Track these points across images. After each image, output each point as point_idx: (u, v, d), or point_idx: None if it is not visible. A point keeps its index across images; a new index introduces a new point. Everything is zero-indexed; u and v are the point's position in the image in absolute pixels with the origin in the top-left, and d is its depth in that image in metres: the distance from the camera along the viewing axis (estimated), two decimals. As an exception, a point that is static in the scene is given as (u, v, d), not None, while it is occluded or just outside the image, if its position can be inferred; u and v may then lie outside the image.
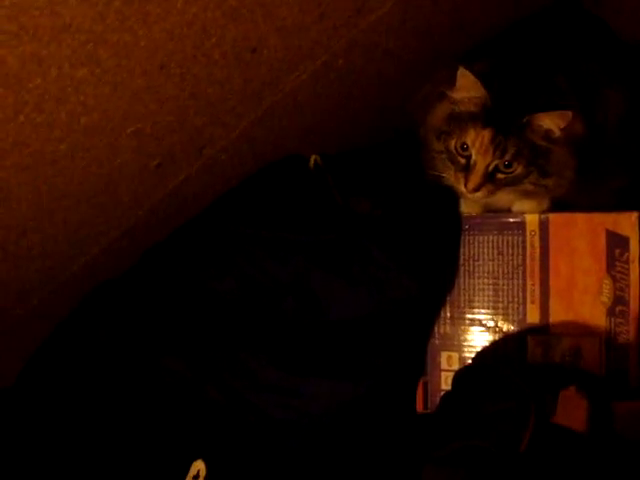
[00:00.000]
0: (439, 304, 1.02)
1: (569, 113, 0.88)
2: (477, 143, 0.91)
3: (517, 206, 1.00)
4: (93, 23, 0.62)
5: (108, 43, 0.65)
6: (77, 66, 0.66)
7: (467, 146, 0.92)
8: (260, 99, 0.89)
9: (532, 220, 0.99)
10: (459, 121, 0.93)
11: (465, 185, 0.92)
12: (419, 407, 1.02)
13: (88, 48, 0.64)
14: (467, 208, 1.03)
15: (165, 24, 0.68)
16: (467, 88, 0.91)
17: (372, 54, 0.95)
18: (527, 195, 0.97)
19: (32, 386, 0.94)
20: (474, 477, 0.72)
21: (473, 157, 0.92)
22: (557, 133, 0.90)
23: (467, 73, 0.89)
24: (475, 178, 0.91)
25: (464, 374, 0.93)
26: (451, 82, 0.93)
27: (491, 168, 0.91)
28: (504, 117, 0.90)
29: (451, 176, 0.96)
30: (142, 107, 0.78)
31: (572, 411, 0.77)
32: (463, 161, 0.93)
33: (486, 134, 0.90)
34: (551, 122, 0.90)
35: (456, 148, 0.93)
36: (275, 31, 0.79)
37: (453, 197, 1.01)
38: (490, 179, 0.92)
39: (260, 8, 0.74)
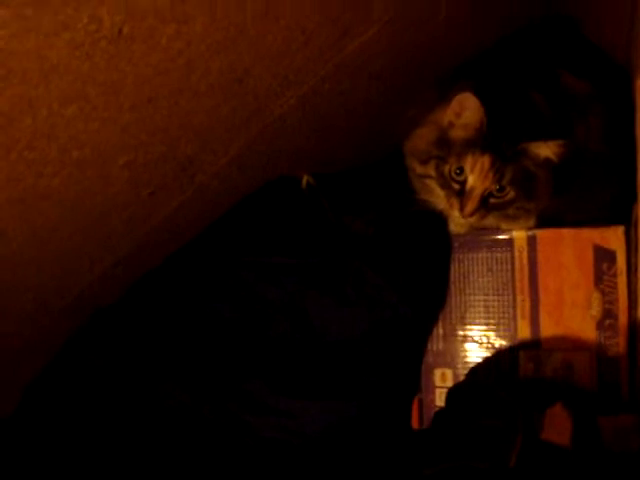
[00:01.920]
0: (432, 322, 1.03)
1: (562, 142, 0.90)
2: (476, 169, 0.91)
3: (505, 224, 1.02)
4: (80, 63, 0.63)
5: (96, 81, 0.67)
6: (66, 104, 0.67)
7: (462, 171, 0.92)
8: (248, 126, 0.91)
9: (520, 237, 1.00)
10: (453, 146, 0.93)
11: (461, 210, 0.93)
12: (414, 424, 1.03)
13: (76, 87, 0.66)
14: (456, 227, 1.04)
15: (150, 60, 0.69)
16: (467, 113, 0.91)
17: (357, 78, 0.96)
18: (509, 218, 0.98)
19: (31, 416, 0.95)
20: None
21: (470, 182, 0.92)
22: (555, 160, 0.92)
23: (473, 99, 0.89)
24: (472, 203, 0.92)
25: (457, 392, 0.94)
26: (433, 106, 0.95)
27: (486, 193, 0.93)
28: (498, 142, 0.91)
29: (441, 201, 0.97)
30: (132, 139, 0.79)
31: (558, 427, 0.78)
32: (457, 186, 0.93)
33: (486, 159, 0.91)
34: (549, 150, 0.91)
35: (450, 173, 0.93)
36: (260, 60, 0.80)
37: (442, 216, 1.03)
38: (484, 204, 0.93)
39: (244, 40, 0.75)
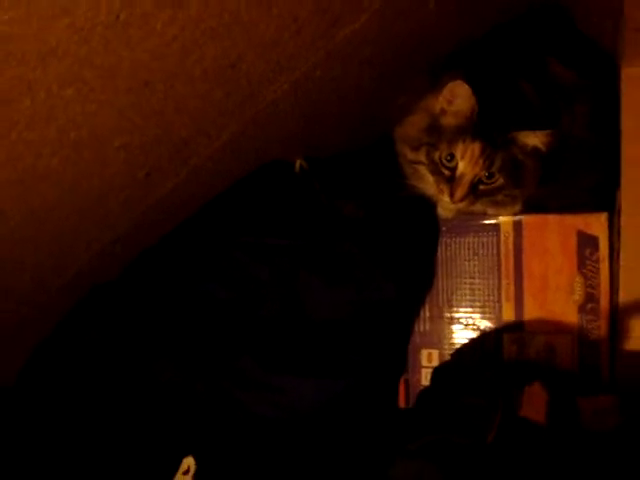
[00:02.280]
0: (419, 304, 1.06)
1: (550, 132, 0.93)
2: (467, 155, 0.94)
3: (492, 210, 1.04)
4: (78, 47, 0.65)
5: (93, 65, 0.69)
6: (64, 87, 0.69)
7: (453, 158, 0.95)
8: (242, 110, 0.93)
9: (506, 222, 1.03)
10: (444, 133, 0.95)
11: (451, 196, 0.95)
12: (401, 403, 1.06)
13: (74, 70, 0.68)
14: (444, 212, 1.06)
15: (146, 45, 0.71)
16: (459, 101, 0.93)
17: (349, 64, 0.98)
18: (497, 204, 1.01)
19: (31, 386, 0.98)
20: (444, 469, 0.76)
21: (460, 169, 0.95)
22: (543, 150, 0.94)
23: (465, 87, 0.91)
24: (462, 189, 0.95)
25: (442, 371, 0.97)
26: (424, 93, 0.97)
27: (476, 179, 0.95)
28: (488, 130, 0.93)
29: (431, 187, 1.00)
30: (128, 122, 0.81)
31: (535, 405, 0.81)
32: (447, 173, 0.96)
33: (476, 146, 0.93)
34: (537, 139, 0.94)
35: (441, 159, 0.96)
36: (253, 47, 0.82)
37: (431, 201, 1.05)
38: (473, 190, 0.96)
39: (238, 27, 0.77)
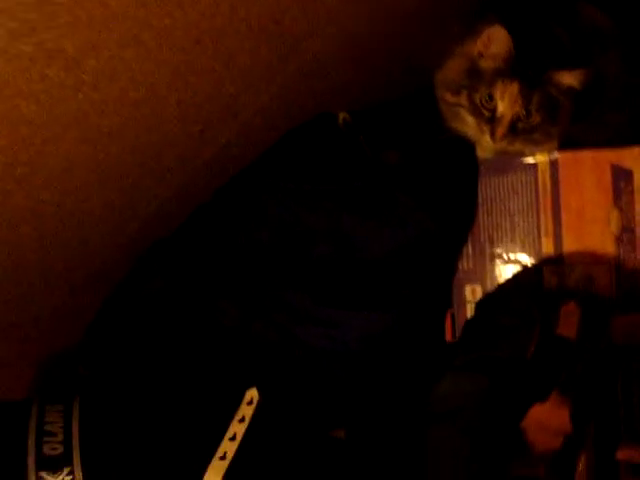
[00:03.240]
0: (461, 241, 1.11)
1: (584, 71, 0.97)
2: (506, 95, 0.98)
3: (529, 148, 1.08)
4: (137, 10, 0.71)
5: (150, 26, 0.74)
6: (125, 48, 0.75)
7: (492, 99, 0.99)
8: (286, 63, 0.97)
9: (543, 160, 1.06)
10: (483, 76, 1.00)
11: (492, 135, 1.00)
12: (448, 337, 1.11)
13: (134, 32, 0.74)
14: (483, 153, 1.11)
15: (198, 5, 0.77)
16: (497, 45, 0.97)
17: (391, 16, 1.02)
18: (534, 142, 1.05)
19: (103, 331, 1.07)
20: (490, 381, 0.82)
21: (500, 109, 0.99)
22: (578, 88, 0.99)
23: (502, 31, 0.95)
24: (502, 128, 0.99)
25: (485, 302, 1.02)
26: (462, 38, 1.01)
27: (515, 118, 0.99)
28: (525, 71, 0.98)
29: (471, 129, 1.04)
30: (182, 80, 0.87)
31: (569, 322, 0.86)
32: (488, 113, 1.00)
33: (514, 86, 0.98)
34: (572, 78, 0.98)
35: (481, 101, 1.00)
36: (295, 2, 0.87)
37: (470, 144, 1.09)
38: (512, 129, 1.00)
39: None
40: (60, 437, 0.90)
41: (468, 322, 1.02)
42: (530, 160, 1.07)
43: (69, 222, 0.97)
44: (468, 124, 1.05)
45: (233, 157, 1.10)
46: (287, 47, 0.94)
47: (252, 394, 0.95)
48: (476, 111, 1.02)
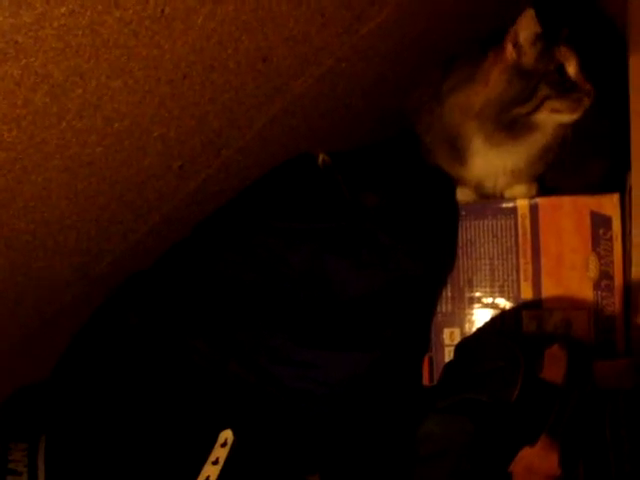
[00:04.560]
0: (440, 284, 1.11)
1: None
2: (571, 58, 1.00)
3: (508, 192, 1.09)
4: (127, 39, 0.70)
5: (139, 56, 0.74)
6: (113, 77, 0.74)
7: (563, 69, 0.99)
8: (271, 103, 0.98)
9: (523, 205, 1.08)
10: (538, 61, 1.00)
11: (587, 93, 0.99)
12: (425, 381, 1.11)
13: (122, 61, 0.73)
14: (463, 196, 1.12)
15: (187, 38, 0.76)
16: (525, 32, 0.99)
17: (371, 58, 1.03)
18: (517, 178, 1.07)
19: (73, 367, 1.03)
20: (472, 424, 0.81)
21: (572, 73, 1.00)
22: None
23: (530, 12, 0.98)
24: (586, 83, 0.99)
25: (464, 344, 1.02)
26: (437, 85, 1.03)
27: None
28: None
29: (452, 168, 1.08)
30: (167, 113, 0.86)
31: (555, 366, 0.86)
32: (568, 83, 1.00)
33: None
34: None
35: (561, 78, 0.99)
36: (283, 41, 0.87)
37: (450, 187, 1.10)
38: None
39: (270, 21, 0.83)
40: (25, 477, 0.87)
41: (448, 365, 1.01)
42: (510, 204, 1.09)
43: (42, 253, 0.95)
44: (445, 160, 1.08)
45: (212, 193, 1.09)
46: (273, 86, 0.94)
47: (226, 435, 0.93)
48: (562, 89, 1.00)
